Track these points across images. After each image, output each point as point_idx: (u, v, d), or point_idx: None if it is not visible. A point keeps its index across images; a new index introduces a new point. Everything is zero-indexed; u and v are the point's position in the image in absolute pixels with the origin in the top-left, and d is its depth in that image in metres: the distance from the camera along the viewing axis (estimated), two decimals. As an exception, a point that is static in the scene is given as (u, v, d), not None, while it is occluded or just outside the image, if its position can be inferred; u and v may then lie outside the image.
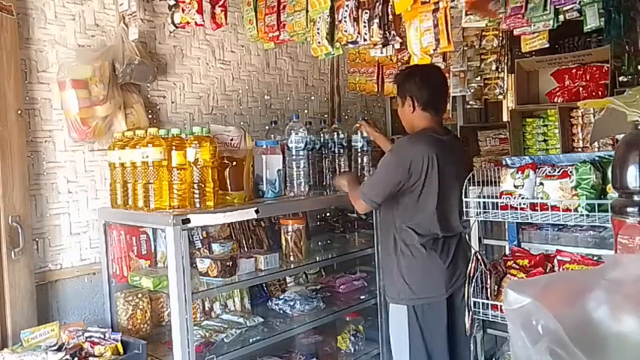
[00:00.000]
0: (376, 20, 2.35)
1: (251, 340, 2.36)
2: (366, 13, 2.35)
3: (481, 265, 2.31)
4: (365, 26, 2.35)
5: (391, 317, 2.36)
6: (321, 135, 2.90)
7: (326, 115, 3.63)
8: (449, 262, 2.31)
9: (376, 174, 2.32)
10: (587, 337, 0.88)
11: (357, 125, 2.87)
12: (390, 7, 2.31)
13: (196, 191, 2.13)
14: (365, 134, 2.84)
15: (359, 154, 2.90)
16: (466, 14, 2.40)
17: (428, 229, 2.28)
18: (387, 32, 2.38)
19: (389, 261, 2.38)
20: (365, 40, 2.38)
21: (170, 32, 2.71)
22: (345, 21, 2.38)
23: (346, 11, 2.38)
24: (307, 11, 2.52)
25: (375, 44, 2.48)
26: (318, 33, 2.45)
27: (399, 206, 2.29)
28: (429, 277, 2.28)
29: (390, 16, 2.37)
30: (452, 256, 2.33)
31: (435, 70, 2.50)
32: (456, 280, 2.32)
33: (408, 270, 2.29)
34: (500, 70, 3.40)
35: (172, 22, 2.51)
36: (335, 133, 2.90)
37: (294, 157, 2.56)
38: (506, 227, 2.75)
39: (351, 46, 2.52)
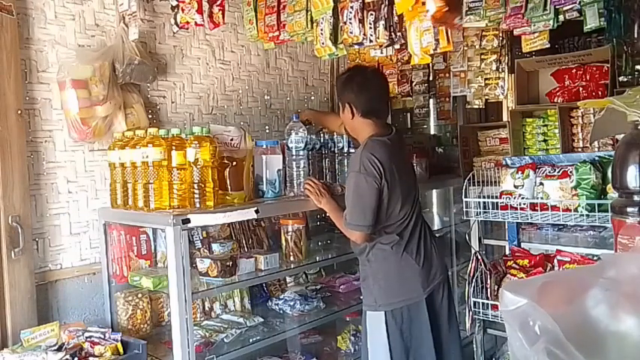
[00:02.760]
0: (382, 22, 2.34)
1: (251, 340, 2.36)
2: (372, 14, 2.34)
3: (481, 265, 2.31)
4: (371, 27, 2.35)
5: (369, 326, 2.28)
6: (321, 135, 2.89)
7: (326, 115, 3.63)
8: (422, 261, 2.26)
9: (352, 201, 2.20)
10: (585, 337, 0.88)
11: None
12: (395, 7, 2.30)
13: (196, 191, 2.13)
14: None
15: (343, 155, 2.81)
16: (466, 14, 2.39)
17: (398, 230, 2.24)
18: (392, 33, 2.38)
19: (363, 268, 2.34)
20: (371, 41, 2.37)
21: (174, 33, 2.71)
22: (351, 22, 2.37)
23: (351, 12, 2.37)
24: (307, 11, 2.52)
25: (381, 45, 2.47)
26: (322, 34, 2.45)
27: None
28: (404, 278, 2.24)
29: (396, 18, 2.36)
30: (425, 255, 2.28)
31: (374, 74, 2.42)
32: (433, 278, 2.28)
33: (382, 274, 2.24)
34: (500, 70, 3.40)
35: (175, 23, 2.51)
36: (335, 133, 2.88)
37: (294, 157, 2.56)
38: (506, 227, 2.75)
39: (356, 47, 2.52)
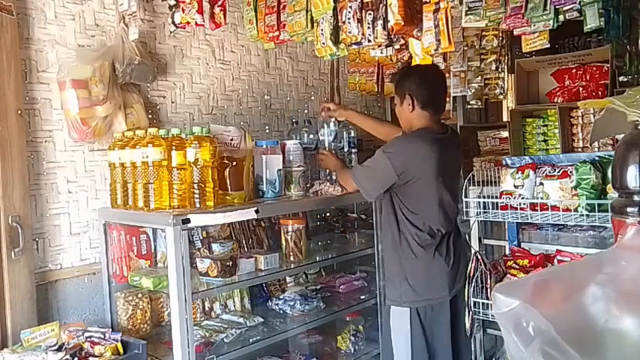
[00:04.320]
0: (380, 21, 2.34)
1: (251, 340, 2.36)
2: (370, 14, 2.35)
3: (481, 265, 2.31)
4: (369, 27, 2.35)
5: (392, 320, 2.33)
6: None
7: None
8: (452, 263, 2.31)
9: (369, 167, 2.31)
10: (583, 335, 0.88)
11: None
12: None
13: (196, 191, 2.13)
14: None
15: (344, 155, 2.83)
16: (466, 14, 2.40)
17: (430, 228, 2.28)
18: (391, 33, 2.38)
19: (391, 264, 2.37)
20: (369, 41, 2.38)
21: (171, 32, 2.71)
22: (349, 22, 2.37)
23: (349, 12, 2.38)
24: (307, 11, 2.52)
25: (379, 45, 2.48)
26: (322, 34, 2.45)
27: (400, 209, 2.28)
28: (433, 278, 2.27)
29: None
30: (454, 257, 2.33)
31: (435, 69, 2.50)
32: (459, 280, 2.32)
33: (411, 272, 2.28)
34: (500, 70, 3.40)
35: (173, 22, 2.51)
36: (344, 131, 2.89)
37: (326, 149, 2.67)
38: (506, 227, 2.75)
39: (355, 47, 2.52)
